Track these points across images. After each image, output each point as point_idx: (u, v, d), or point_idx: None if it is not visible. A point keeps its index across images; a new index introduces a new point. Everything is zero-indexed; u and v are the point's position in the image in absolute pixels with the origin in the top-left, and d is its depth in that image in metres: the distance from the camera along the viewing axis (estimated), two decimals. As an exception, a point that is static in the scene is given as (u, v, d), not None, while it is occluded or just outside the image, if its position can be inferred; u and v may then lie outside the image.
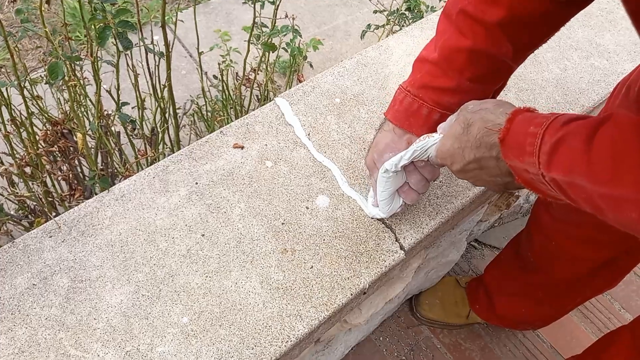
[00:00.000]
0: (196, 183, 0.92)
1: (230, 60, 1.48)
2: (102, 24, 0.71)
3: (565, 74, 1.13)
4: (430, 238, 0.94)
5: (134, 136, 1.25)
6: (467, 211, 0.99)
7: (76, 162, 1.22)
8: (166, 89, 0.98)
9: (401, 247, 0.87)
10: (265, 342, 0.77)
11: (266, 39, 1.01)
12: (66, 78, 0.82)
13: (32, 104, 1.13)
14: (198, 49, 1.29)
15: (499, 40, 0.73)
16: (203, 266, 0.83)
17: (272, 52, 1.08)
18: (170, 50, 0.99)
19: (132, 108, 1.28)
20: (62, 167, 1.19)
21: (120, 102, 1.00)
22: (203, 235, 0.86)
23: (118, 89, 0.98)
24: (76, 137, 0.92)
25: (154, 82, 1.07)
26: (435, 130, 0.75)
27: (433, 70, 0.78)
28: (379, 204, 0.85)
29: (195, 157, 0.95)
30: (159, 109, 1.09)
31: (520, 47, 0.76)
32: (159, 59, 0.98)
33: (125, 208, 0.88)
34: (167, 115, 1.17)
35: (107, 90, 1.01)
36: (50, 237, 0.84)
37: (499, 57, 0.75)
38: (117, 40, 0.75)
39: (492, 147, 0.63)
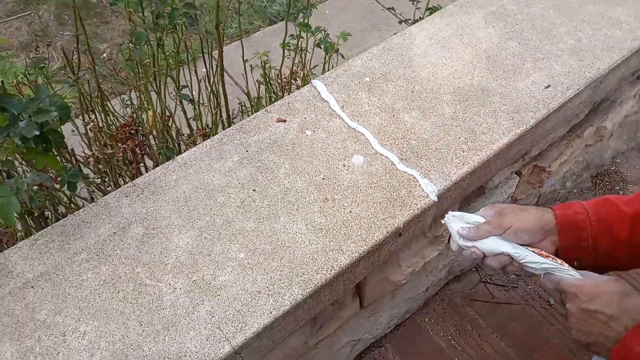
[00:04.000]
0: (246, 151, 1.05)
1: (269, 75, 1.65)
2: (170, 7, 0.88)
3: (579, 44, 1.21)
4: (460, 189, 1.02)
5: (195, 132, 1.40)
6: (494, 166, 1.07)
7: (143, 158, 1.38)
8: (220, 84, 1.13)
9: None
10: (312, 271, 0.86)
11: (298, 32, 1.16)
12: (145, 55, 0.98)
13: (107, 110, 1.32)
14: (243, 56, 1.46)
15: None
16: (255, 214, 0.94)
17: (307, 34, 1.22)
18: (221, 58, 1.16)
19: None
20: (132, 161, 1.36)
21: (181, 85, 1.17)
22: (254, 190, 0.98)
23: (178, 74, 1.15)
24: (148, 117, 1.08)
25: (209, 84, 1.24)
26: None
27: (617, 218, 0.83)
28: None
29: (244, 130, 1.09)
30: (214, 101, 1.25)
31: None
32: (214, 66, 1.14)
33: (187, 172, 1.02)
34: (220, 110, 1.33)
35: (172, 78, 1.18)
36: (126, 196, 0.99)
37: None
38: (184, 18, 0.91)
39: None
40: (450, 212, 0.92)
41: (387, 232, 0.91)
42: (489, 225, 0.86)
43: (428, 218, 1.00)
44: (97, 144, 1.31)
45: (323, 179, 0.99)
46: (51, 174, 0.94)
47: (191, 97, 1.17)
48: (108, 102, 1.29)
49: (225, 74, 1.29)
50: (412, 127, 1.07)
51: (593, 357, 0.83)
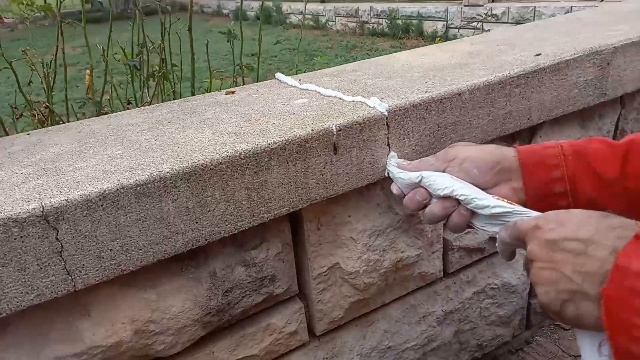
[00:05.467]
0: (181, 109, 0.91)
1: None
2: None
3: (576, 39, 1.08)
4: (424, 125, 0.79)
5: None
6: (473, 117, 0.84)
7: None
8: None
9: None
10: (198, 156, 0.63)
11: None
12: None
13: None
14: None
15: None
16: (157, 132, 0.76)
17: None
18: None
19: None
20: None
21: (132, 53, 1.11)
22: (169, 122, 0.81)
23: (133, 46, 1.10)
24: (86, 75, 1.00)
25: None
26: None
27: (605, 151, 0.60)
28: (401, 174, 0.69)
29: (188, 100, 0.97)
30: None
31: None
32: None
33: (108, 121, 0.88)
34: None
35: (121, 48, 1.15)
36: (28, 134, 0.85)
37: None
38: None
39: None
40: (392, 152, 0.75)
41: (312, 131, 0.68)
42: (433, 157, 0.68)
43: (378, 146, 0.75)
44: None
45: (254, 112, 0.81)
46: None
47: (137, 65, 1.10)
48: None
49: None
50: (373, 84, 0.91)
51: (577, 335, 0.48)
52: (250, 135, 0.68)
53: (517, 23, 6.14)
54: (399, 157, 0.75)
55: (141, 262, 0.60)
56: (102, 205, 0.56)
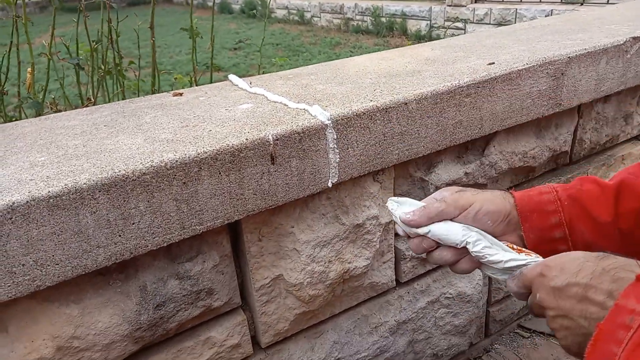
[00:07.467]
0: (123, 111, 0.88)
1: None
2: None
3: (533, 47, 1.07)
4: (369, 134, 0.77)
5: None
6: (421, 124, 0.83)
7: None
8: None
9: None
10: (121, 165, 0.60)
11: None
12: None
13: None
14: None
15: None
16: (89, 137, 0.73)
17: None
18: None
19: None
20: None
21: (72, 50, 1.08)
22: (105, 125, 0.78)
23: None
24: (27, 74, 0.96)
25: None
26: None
27: (597, 193, 0.61)
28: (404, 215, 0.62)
29: (133, 102, 0.94)
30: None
31: None
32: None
33: (44, 123, 0.84)
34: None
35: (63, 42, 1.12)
36: (-43, 134, 0.81)
37: None
38: None
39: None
40: (392, 198, 0.66)
41: (247, 140, 0.66)
42: (442, 203, 0.62)
43: (320, 156, 0.73)
44: None
45: (195, 117, 0.79)
46: None
47: (80, 65, 1.07)
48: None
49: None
50: (323, 90, 0.89)
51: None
52: (181, 144, 0.66)
53: (499, 24, 6.18)
54: (397, 197, 0.66)
55: (59, 277, 0.58)
56: (11, 219, 0.53)
